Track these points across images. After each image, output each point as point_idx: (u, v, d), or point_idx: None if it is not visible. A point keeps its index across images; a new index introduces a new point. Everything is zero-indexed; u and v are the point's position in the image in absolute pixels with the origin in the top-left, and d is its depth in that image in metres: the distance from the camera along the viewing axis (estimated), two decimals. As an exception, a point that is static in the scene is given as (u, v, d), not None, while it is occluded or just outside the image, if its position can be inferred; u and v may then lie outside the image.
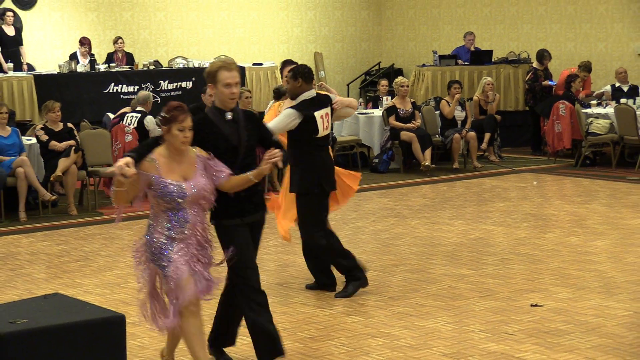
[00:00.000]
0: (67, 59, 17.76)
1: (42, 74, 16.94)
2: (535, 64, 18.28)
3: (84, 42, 18.02)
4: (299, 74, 8.30)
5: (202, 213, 6.03)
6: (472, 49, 19.87)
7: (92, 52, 18.09)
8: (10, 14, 17.65)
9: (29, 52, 18.57)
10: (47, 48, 19.25)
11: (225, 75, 6.18)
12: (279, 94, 15.34)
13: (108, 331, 5.00)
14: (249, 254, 6.31)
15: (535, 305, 8.01)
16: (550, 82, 17.91)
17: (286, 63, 9.68)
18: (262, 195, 6.53)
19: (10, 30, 17.63)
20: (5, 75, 16.33)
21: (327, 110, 8.32)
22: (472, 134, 16.28)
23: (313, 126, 8.13)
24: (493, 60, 19.55)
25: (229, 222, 6.25)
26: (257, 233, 6.47)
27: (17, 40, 17.77)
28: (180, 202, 5.87)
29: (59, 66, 17.14)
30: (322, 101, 8.36)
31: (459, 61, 19.42)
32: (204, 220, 6.07)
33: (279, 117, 8.18)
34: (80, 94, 16.71)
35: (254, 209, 6.34)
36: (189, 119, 5.89)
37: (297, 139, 8.16)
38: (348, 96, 21.84)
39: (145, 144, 6.01)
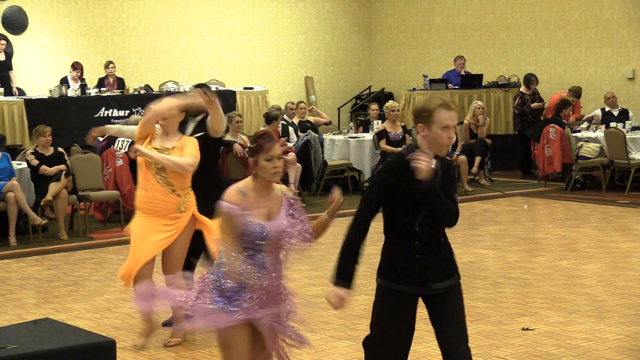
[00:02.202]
0: (58, 83, 17.76)
1: (33, 98, 16.93)
2: (522, 89, 18.37)
3: (77, 66, 18.03)
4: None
5: (281, 261, 5.44)
6: (463, 72, 19.94)
7: (84, 76, 18.10)
8: (3, 42, 17.65)
9: (20, 77, 18.58)
10: (37, 72, 19.26)
11: (445, 115, 5.32)
12: (269, 118, 15.43)
13: (98, 356, 4.98)
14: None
15: (527, 329, 8.01)
16: (539, 103, 18.03)
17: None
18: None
19: (0, 56, 17.64)
20: (-5, 99, 16.33)
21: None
22: (463, 157, 16.31)
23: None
24: (483, 84, 19.62)
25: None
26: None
27: (7, 65, 17.77)
28: (261, 244, 5.30)
29: (50, 90, 17.14)
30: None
31: (449, 85, 19.48)
32: (282, 269, 5.46)
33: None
34: (71, 118, 16.70)
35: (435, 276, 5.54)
36: (277, 146, 5.32)
37: None
38: (339, 120, 21.88)
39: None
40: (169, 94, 13.80)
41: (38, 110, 16.44)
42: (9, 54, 17.99)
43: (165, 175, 7.39)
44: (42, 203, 12.58)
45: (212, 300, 5.23)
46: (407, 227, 5.45)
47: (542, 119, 17.92)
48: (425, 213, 5.36)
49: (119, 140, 13.90)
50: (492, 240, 12.04)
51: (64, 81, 17.86)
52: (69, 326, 5.52)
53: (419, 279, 5.45)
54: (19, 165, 13.24)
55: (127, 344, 7.65)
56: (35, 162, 12.83)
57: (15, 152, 14.63)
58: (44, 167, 12.75)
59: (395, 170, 5.31)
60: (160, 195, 7.39)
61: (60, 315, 8.56)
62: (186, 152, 7.45)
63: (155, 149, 7.41)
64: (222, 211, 5.26)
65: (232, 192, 5.29)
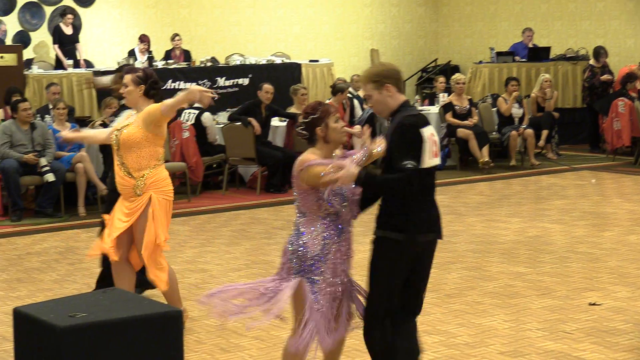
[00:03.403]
0: (126, 55, 17.91)
1: (101, 70, 17.09)
2: (592, 62, 18.12)
3: (144, 39, 18.16)
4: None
5: (352, 224, 5.60)
6: (530, 45, 19.71)
7: (151, 49, 18.23)
8: (70, 16, 17.81)
9: (88, 49, 18.76)
10: (105, 45, 19.43)
11: None
12: (335, 90, 15.41)
13: (165, 326, 5.02)
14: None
15: (594, 304, 7.94)
16: (609, 76, 17.78)
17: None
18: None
19: (68, 30, 17.81)
20: (64, 72, 16.51)
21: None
22: (530, 131, 16.15)
23: None
24: (551, 57, 19.38)
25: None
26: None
27: (74, 38, 17.94)
28: (341, 208, 5.49)
29: (118, 63, 17.27)
30: None
31: (517, 58, 19.28)
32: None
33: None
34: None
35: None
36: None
37: None
38: (404, 93, 21.77)
39: None
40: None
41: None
42: (77, 27, 18.15)
43: (119, 156, 7.17)
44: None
45: (291, 272, 5.45)
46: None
47: (611, 92, 17.67)
48: None
49: (185, 112, 13.99)
50: (559, 215, 11.93)
51: (132, 53, 18.00)
52: (136, 296, 5.59)
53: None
54: (87, 136, 13.40)
55: (193, 314, 7.73)
56: (103, 133, 12.95)
57: (84, 123, 14.79)
58: (111, 139, 12.88)
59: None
60: (119, 179, 7.21)
61: (127, 285, 8.66)
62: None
63: (116, 129, 7.22)
64: (311, 170, 5.36)
65: (308, 156, 5.45)
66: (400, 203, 5.37)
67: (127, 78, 7.23)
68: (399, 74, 5.61)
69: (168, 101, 7.08)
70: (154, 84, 7.27)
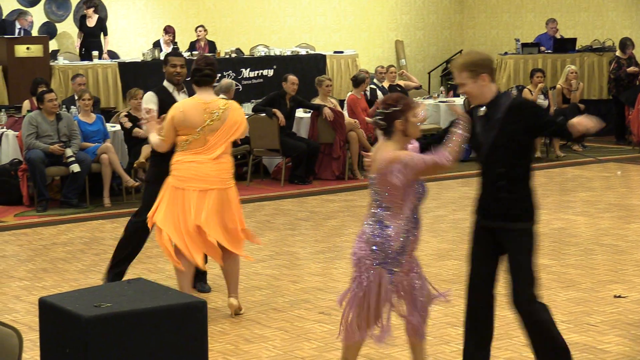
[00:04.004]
0: (151, 46, 17.96)
1: (127, 61, 17.14)
2: (618, 53, 18.02)
3: (169, 30, 18.21)
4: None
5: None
6: (558, 36, 19.61)
7: (176, 40, 18.27)
8: (90, 10, 17.85)
9: (114, 40, 18.82)
10: (131, 36, 19.49)
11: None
12: (356, 81, 15.39)
13: (190, 316, 5.05)
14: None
15: (619, 297, 7.91)
16: (635, 67, 17.65)
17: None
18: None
19: (91, 22, 17.86)
20: (90, 63, 16.58)
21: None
22: (555, 122, 16.06)
23: None
24: (577, 48, 19.28)
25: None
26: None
27: (95, 31, 17.99)
28: (421, 199, 5.66)
29: (143, 54, 17.33)
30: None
31: (542, 49, 19.19)
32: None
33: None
34: (163, 81, 16.83)
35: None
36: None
37: None
38: (429, 84, 21.73)
39: None
40: None
41: (131, 74, 16.64)
42: (102, 18, 18.21)
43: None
44: (135, 165, 12.77)
45: (372, 264, 5.56)
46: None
47: (637, 83, 17.57)
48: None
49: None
50: (584, 207, 11.88)
51: (157, 45, 18.04)
52: (161, 286, 5.60)
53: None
54: (112, 127, 13.47)
55: (217, 305, 7.75)
56: (128, 124, 13.01)
57: (109, 114, 14.86)
58: (137, 130, 12.91)
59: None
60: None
61: (152, 275, 8.70)
62: None
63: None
64: (407, 162, 5.40)
65: (398, 153, 5.50)
66: (529, 193, 5.59)
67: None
68: (493, 63, 5.68)
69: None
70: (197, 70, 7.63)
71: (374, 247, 5.55)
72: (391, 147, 5.56)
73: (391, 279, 5.58)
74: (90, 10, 17.83)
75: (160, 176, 7.52)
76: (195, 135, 7.32)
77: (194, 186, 7.30)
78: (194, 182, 7.31)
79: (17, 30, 17.10)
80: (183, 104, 7.54)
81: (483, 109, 5.58)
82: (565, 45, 19.26)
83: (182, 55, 8.58)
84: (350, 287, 5.70)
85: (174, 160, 7.39)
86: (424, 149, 5.68)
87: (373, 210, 5.62)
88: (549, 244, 9.87)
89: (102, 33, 17.98)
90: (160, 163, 7.61)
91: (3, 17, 18.00)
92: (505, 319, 7.37)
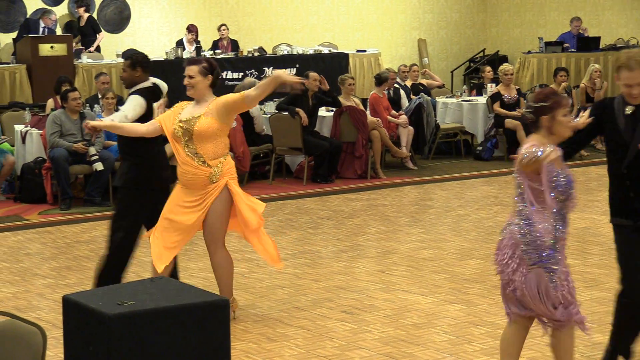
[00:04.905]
0: (174, 45, 18.01)
1: (150, 60, 17.19)
2: (643, 51, 17.95)
3: (192, 29, 18.26)
4: (137, 63, 7.98)
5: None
6: (585, 34, 19.53)
7: (199, 39, 18.32)
8: (82, 9, 17.95)
9: (137, 39, 18.90)
10: (154, 35, 19.56)
11: (625, 75, 5.73)
12: (379, 80, 15.39)
13: (212, 314, 5.05)
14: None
15: (642, 297, 7.85)
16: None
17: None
18: None
19: (82, 21, 17.98)
20: (114, 61, 16.65)
21: (162, 102, 7.96)
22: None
23: (151, 117, 7.66)
24: (601, 47, 19.20)
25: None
26: None
27: (89, 29, 18.09)
28: (569, 195, 5.62)
29: (166, 53, 17.39)
30: (157, 93, 8.02)
31: (566, 45, 19.13)
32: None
33: (133, 103, 7.69)
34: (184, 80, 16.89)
35: None
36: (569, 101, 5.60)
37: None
38: (452, 83, 21.70)
39: None
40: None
41: (154, 72, 16.60)
42: (92, 17, 18.31)
43: (191, 147, 7.13)
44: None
45: (527, 263, 5.43)
46: (616, 168, 5.87)
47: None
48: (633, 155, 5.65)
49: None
50: (608, 206, 11.80)
51: (180, 43, 18.10)
52: (183, 284, 5.61)
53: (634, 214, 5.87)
54: (135, 126, 13.50)
55: (240, 303, 7.77)
56: (151, 123, 13.02)
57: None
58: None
59: (597, 106, 5.82)
60: (191, 169, 7.13)
61: (175, 273, 8.72)
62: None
63: (181, 121, 7.18)
64: (544, 157, 5.30)
65: (533, 144, 5.36)
66: None
67: (194, 69, 7.22)
68: None
69: (252, 92, 7.06)
70: (219, 74, 7.35)
71: (525, 247, 5.43)
72: (533, 139, 5.45)
73: (551, 278, 5.45)
74: (82, 10, 17.95)
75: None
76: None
77: None
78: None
79: (41, 29, 17.19)
80: None
81: (630, 107, 5.60)
82: (589, 44, 19.19)
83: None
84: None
85: (233, 164, 7.36)
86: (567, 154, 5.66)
87: (518, 208, 5.55)
88: (573, 243, 9.82)
89: (93, 31, 18.10)
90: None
91: (27, 16, 18.10)
92: (528, 318, 7.35)
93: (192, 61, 7.32)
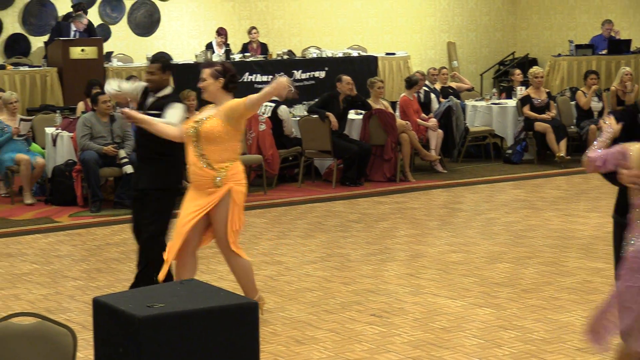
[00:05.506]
0: (204, 48, 18.07)
1: (180, 63, 17.26)
2: (675, 53, 17.86)
3: (221, 32, 18.31)
4: (167, 67, 8.08)
5: None
6: (617, 37, 19.42)
7: (228, 42, 18.37)
8: (84, 20, 17.87)
9: (167, 42, 18.98)
10: (184, 38, 19.63)
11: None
12: (410, 83, 15.36)
13: (241, 317, 5.06)
14: None
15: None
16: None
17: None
18: None
19: (79, 27, 18.00)
20: (144, 64, 16.71)
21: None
22: (609, 125, 15.91)
23: None
24: (632, 49, 19.09)
25: None
26: None
27: (86, 34, 18.13)
28: None
29: (196, 56, 17.45)
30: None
31: (597, 49, 19.04)
32: None
33: (177, 112, 7.78)
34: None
35: None
36: None
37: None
38: (481, 86, 21.64)
39: None
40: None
41: (184, 75, 16.73)
42: (89, 21, 18.29)
43: (199, 148, 7.14)
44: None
45: None
46: None
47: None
48: None
49: (262, 105, 14.06)
50: None
51: (209, 47, 18.15)
52: (213, 287, 5.63)
53: None
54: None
55: (269, 306, 7.78)
56: (181, 126, 13.07)
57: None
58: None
59: (627, 111, 5.67)
60: (197, 170, 7.16)
61: (205, 276, 8.74)
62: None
63: (194, 122, 7.21)
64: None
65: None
66: None
67: (206, 72, 7.30)
68: None
69: (253, 96, 7.10)
70: (233, 77, 7.33)
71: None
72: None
73: None
74: (82, 19, 17.99)
75: None
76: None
77: None
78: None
79: (72, 33, 17.29)
80: None
81: None
82: (619, 47, 19.08)
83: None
84: None
85: (242, 169, 7.35)
86: None
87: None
88: (603, 247, 9.77)
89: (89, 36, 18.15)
90: None
91: (59, 20, 18.21)
92: (558, 322, 7.32)
93: (205, 64, 7.43)
